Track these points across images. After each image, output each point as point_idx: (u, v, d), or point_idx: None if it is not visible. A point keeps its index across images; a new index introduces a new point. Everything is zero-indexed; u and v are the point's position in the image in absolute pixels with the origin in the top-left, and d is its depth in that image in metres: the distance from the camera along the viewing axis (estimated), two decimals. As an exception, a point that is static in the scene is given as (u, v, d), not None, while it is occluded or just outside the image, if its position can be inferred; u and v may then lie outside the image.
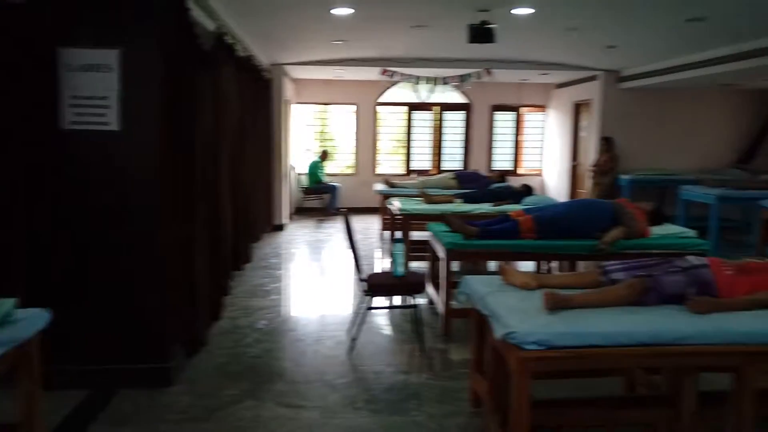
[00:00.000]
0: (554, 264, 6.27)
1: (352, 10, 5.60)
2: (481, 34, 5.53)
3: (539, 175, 12.35)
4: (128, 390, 3.56)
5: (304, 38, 7.32)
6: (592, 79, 9.91)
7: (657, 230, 4.62)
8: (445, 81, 9.40)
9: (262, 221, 8.20)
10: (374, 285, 4.27)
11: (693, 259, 2.91)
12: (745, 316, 2.56)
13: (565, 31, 6.49)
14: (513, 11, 5.56)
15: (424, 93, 11.53)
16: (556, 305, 2.59)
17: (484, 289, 2.97)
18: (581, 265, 5.12)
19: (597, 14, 5.74)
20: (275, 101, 9.12)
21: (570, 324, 2.41)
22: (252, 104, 7.12)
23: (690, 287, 2.74)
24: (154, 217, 3.59)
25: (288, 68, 9.50)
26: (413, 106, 11.89)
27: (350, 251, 4.37)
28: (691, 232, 4.64)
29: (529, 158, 12.43)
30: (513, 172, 12.08)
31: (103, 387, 3.56)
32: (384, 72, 9.00)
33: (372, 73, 9.64)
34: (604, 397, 3.24)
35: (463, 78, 9.13)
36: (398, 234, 6.94)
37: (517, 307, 2.66)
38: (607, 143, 9.42)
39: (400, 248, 4.37)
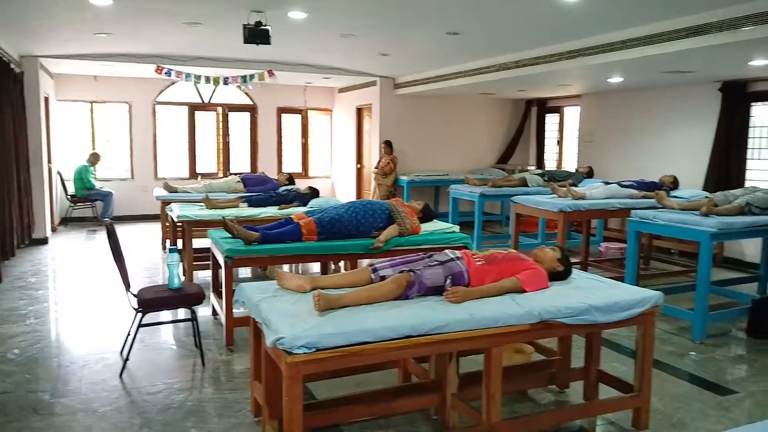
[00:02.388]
0: (342, 264, 6.44)
1: (111, 1, 5.13)
2: (256, 35, 5.45)
3: (329, 177, 12.64)
4: None
5: (61, 28, 6.54)
6: (372, 84, 10.41)
7: (427, 227, 4.96)
8: (226, 81, 9.12)
9: (15, 235, 7.15)
10: (146, 300, 3.96)
11: (449, 253, 3.16)
12: (491, 302, 2.85)
13: (340, 36, 6.70)
14: (289, 14, 5.58)
15: (205, 92, 11.11)
16: (326, 306, 2.62)
17: (257, 295, 2.91)
18: (363, 264, 5.32)
19: (367, 23, 6.01)
20: (30, 98, 8.03)
21: (338, 324, 2.45)
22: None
23: (447, 278, 2.98)
24: None
25: (45, 61, 8.44)
26: (195, 107, 11.38)
27: (117, 265, 4.00)
28: (456, 228, 5.07)
29: (318, 160, 12.66)
30: (304, 175, 12.21)
31: None
32: (159, 69, 8.45)
33: (146, 70, 9.00)
34: (381, 389, 3.39)
35: (245, 78, 8.95)
36: (179, 243, 6.55)
37: (289, 311, 2.64)
38: (387, 146, 9.97)
39: (174, 258, 4.11)
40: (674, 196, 6.27)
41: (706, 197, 5.42)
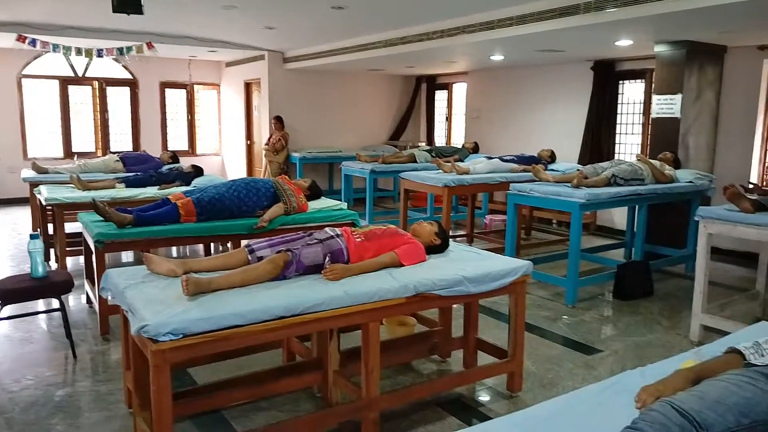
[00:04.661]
0: (230, 245, 6.25)
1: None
2: (126, 3, 5.08)
3: (218, 155, 12.21)
4: None
5: None
6: (260, 58, 10.10)
7: (314, 204, 4.91)
8: (100, 53, 8.49)
9: None
10: (4, 291, 3.64)
11: (329, 230, 3.14)
12: (368, 277, 2.87)
13: (222, 8, 6.41)
14: (162, -18, 5.26)
15: (79, 65, 10.30)
16: (196, 290, 2.51)
17: (124, 282, 2.75)
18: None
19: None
20: None
21: (207, 309, 2.37)
22: None
23: (326, 256, 2.96)
24: None
25: None
26: (68, 80, 10.53)
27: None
28: (343, 205, 5.05)
29: (206, 138, 12.17)
30: (191, 153, 11.72)
31: None
32: (21, 38, 7.70)
33: (7, 40, 8.18)
34: (263, 371, 3.33)
35: (121, 51, 8.37)
36: (50, 228, 6.09)
37: (156, 297, 2.51)
38: (278, 122, 9.75)
39: (37, 245, 3.80)
40: (551, 170, 6.63)
41: (578, 170, 5.76)
